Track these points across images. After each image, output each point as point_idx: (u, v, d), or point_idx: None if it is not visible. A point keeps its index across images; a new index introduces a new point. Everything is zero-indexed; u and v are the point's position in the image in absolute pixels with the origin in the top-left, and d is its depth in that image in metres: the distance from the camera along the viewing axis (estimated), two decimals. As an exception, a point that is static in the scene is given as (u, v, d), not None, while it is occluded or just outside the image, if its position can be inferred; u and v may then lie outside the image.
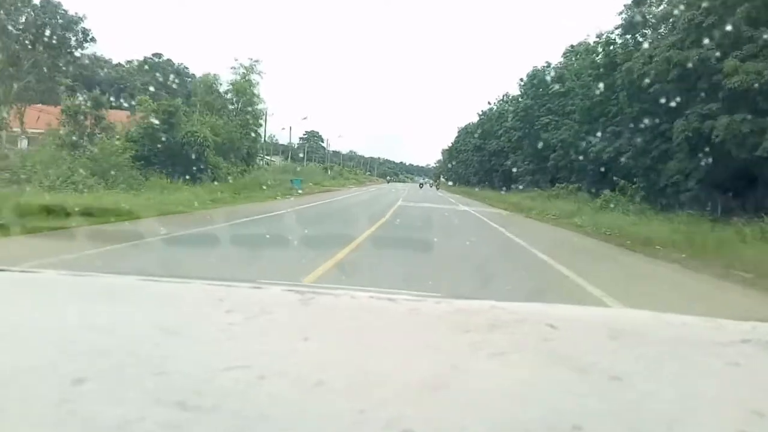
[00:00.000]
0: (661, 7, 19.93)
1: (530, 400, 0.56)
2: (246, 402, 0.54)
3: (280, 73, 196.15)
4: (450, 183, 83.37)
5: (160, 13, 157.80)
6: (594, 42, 26.79)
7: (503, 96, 48.89)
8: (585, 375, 0.62)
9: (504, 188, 37.16)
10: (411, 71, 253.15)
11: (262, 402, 0.54)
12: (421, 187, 70.07)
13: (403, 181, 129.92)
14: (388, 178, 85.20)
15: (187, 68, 50.83)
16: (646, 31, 20.72)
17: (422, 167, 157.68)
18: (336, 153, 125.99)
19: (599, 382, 0.61)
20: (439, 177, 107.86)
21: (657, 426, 0.52)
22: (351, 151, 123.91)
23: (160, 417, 0.50)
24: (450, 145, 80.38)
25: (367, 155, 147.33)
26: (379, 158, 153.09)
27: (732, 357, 0.69)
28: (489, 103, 54.68)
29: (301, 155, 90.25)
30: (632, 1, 21.03)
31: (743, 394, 0.59)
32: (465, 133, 65.98)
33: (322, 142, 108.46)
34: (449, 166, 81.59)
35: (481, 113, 56.19)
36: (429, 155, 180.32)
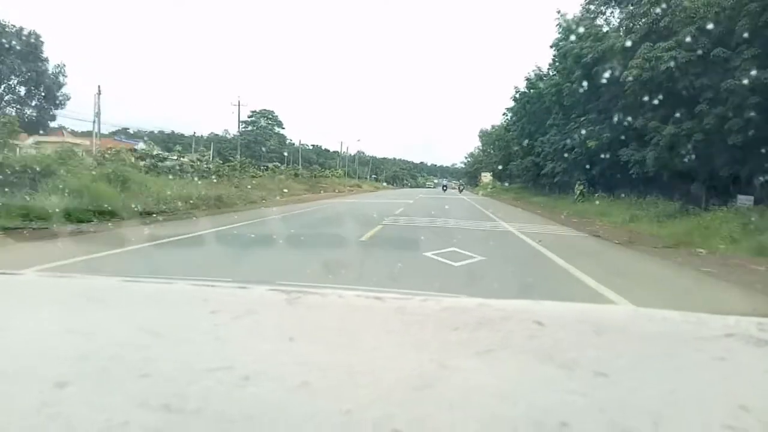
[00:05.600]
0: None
1: (518, 398, 0.56)
2: (230, 403, 0.54)
3: (302, 79, 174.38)
4: (502, 183, 49.72)
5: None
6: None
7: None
8: (571, 371, 0.62)
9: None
10: (427, 72, 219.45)
11: (247, 403, 0.54)
12: (444, 190, 56.03)
13: (423, 186, 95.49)
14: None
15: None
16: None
17: (446, 167, 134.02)
18: (324, 149, 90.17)
19: (585, 379, 0.61)
20: (478, 175, 73.17)
21: (643, 421, 0.52)
22: (359, 152, 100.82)
23: (143, 420, 0.50)
24: (505, 117, 40.44)
25: (393, 158, 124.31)
26: (393, 158, 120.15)
27: (717, 352, 0.69)
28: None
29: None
30: None
31: (729, 389, 0.59)
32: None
33: (281, 127, 69.81)
34: (505, 153, 42.27)
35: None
36: (454, 155, 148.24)
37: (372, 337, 0.75)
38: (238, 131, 46.96)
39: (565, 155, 24.21)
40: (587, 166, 22.60)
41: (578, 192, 23.65)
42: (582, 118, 21.99)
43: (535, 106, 30.55)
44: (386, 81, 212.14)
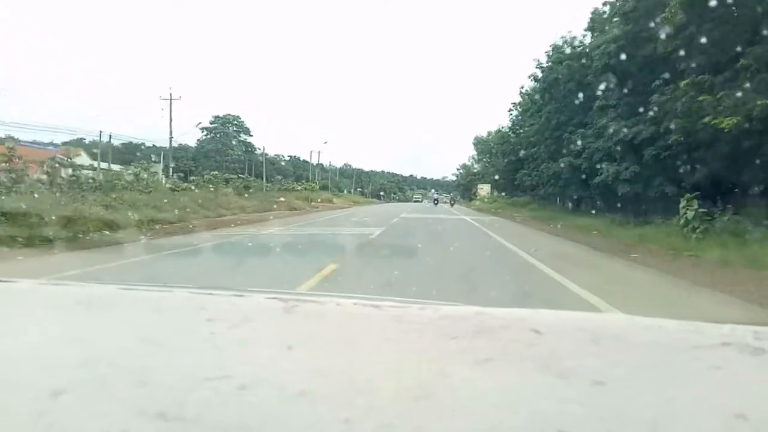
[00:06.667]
0: None
1: (516, 406, 0.57)
2: (227, 412, 0.53)
3: (285, 90, 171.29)
4: (500, 195, 44.62)
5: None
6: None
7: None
8: (569, 380, 0.62)
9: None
10: (417, 83, 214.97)
11: (244, 412, 0.54)
12: (435, 204, 53.33)
13: (411, 199, 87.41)
14: None
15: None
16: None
17: (437, 180, 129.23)
18: (303, 161, 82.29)
19: (583, 387, 0.61)
20: (472, 187, 65.82)
21: (640, 430, 0.52)
22: (346, 164, 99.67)
23: (141, 429, 0.50)
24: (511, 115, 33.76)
25: (381, 171, 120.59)
26: (382, 171, 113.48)
27: (713, 360, 0.69)
28: None
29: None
30: None
31: (726, 398, 0.59)
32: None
33: (248, 134, 60.55)
34: (510, 159, 34.47)
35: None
36: (444, 168, 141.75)
37: (370, 345, 0.75)
38: (170, 133, 37.43)
39: (642, 151, 14.87)
40: (686, 168, 13.53)
41: (691, 215, 11.56)
42: (683, 83, 12.81)
43: (569, 86, 21.56)
44: (374, 92, 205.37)
